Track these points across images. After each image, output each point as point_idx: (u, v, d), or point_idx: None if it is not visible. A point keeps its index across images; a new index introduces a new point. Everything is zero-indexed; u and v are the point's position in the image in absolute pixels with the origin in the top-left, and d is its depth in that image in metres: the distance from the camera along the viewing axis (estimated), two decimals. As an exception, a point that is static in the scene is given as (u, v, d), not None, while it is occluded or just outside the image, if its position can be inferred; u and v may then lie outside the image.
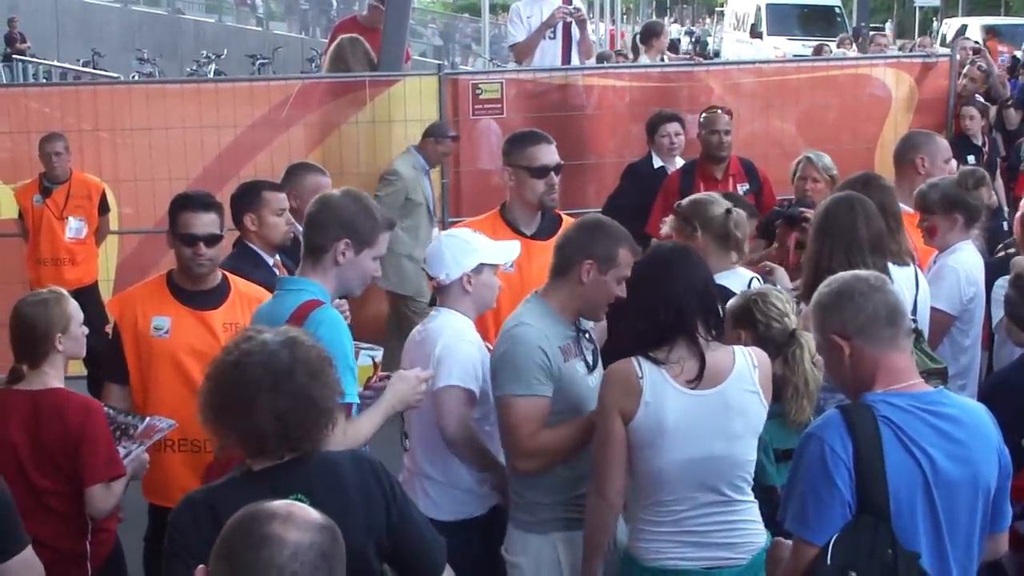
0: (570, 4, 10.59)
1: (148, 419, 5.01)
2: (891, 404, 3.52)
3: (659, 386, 4.14)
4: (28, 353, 4.81)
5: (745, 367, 4.22)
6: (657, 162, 8.51)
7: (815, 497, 3.46)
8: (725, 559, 4.25)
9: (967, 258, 5.92)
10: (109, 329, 5.56)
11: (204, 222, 5.24)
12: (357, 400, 4.29)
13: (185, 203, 5.33)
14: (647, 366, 4.16)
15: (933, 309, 5.71)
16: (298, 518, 2.59)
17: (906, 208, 6.55)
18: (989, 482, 3.58)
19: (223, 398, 3.32)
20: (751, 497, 4.30)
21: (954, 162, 7.33)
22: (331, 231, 4.36)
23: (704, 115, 8.22)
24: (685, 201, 5.70)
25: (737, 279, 5.31)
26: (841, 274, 3.72)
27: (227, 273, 5.48)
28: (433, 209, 9.10)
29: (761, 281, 5.25)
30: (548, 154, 5.80)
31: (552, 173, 5.78)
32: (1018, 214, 6.29)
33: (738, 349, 4.29)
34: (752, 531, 4.29)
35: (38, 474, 4.74)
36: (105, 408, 4.96)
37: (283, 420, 3.27)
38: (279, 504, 2.62)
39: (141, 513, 5.44)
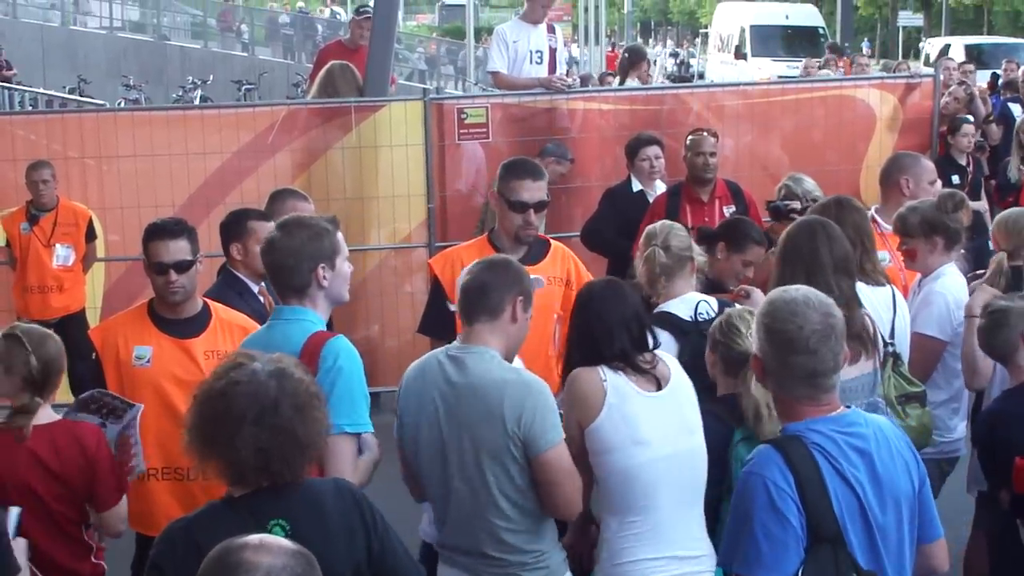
0: (552, 33, 10.63)
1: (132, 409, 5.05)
2: (817, 432, 3.53)
3: (622, 388, 4.37)
4: (42, 388, 4.83)
5: (675, 365, 4.53)
6: (636, 186, 8.51)
7: (767, 536, 3.43)
8: (700, 571, 4.38)
9: (952, 282, 5.91)
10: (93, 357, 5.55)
11: (173, 250, 5.22)
12: (371, 429, 4.30)
13: (154, 232, 5.31)
14: (609, 372, 4.39)
15: (924, 336, 5.72)
16: (270, 545, 2.66)
17: (890, 229, 6.59)
18: (909, 494, 3.61)
19: (207, 426, 3.33)
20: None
21: (939, 183, 7.35)
22: (302, 267, 4.39)
23: (690, 137, 8.23)
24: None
25: (684, 305, 5.31)
26: (798, 319, 3.55)
27: (208, 300, 5.48)
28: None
29: (710, 305, 5.26)
30: (530, 190, 5.76)
31: (531, 210, 5.76)
32: (992, 226, 6.32)
33: (666, 358, 4.55)
34: (711, 543, 4.42)
35: (57, 503, 4.79)
36: (94, 391, 5.04)
37: (265, 454, 3.27)
38: (252, 536, 2.69)
39: (127, 542, 5.42)
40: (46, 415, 4.84)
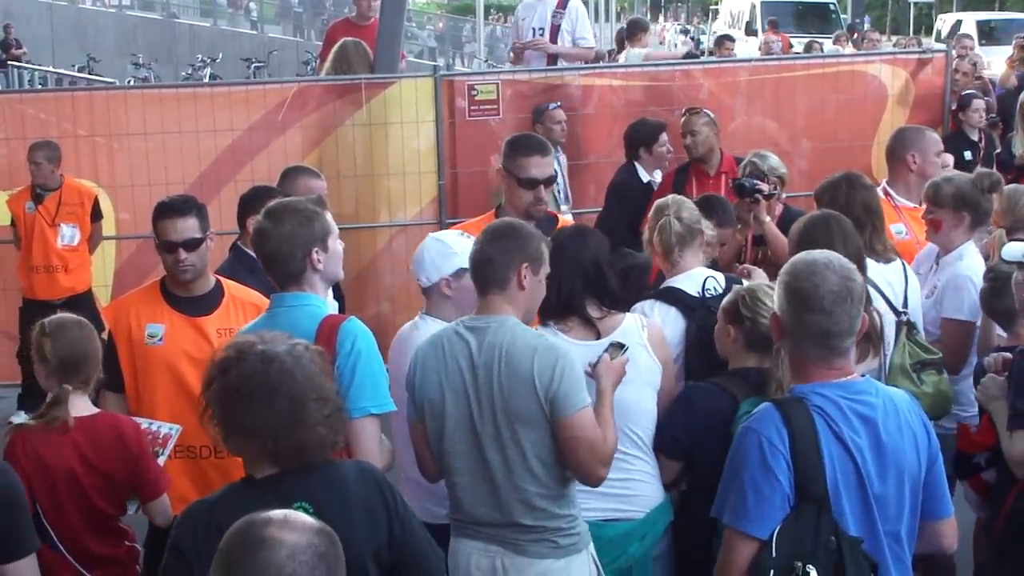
0: (564, 8, 10.60)
1: (154, 424, 5.07)
2: (822, 395, 3.56)
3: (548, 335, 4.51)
4: (65, 376, 4.81)
5: (633, 325, 4.71)
6: (644, 176, 8.39)
7: (755, 490, 3.49)
8: (621, 511, 4.56)
9: (974, 263, 5.86)
10: (105, 336, 5.54)
11: (181, 228, 5.21)
12: (394, 408, 4.29)
13: (162, 211, 5.30)
14: (540, 328, 4.63)
15: (958, 322, 5.72)
16: (294, 522, 2.64)
17: (904, 202, 6.59)
18: (914, 469, 3.62)
19: (284, 418, 3.29)
20: (648, 456, 4.67)
21: (948, 156, 7.32)
22: (296, 254, 4.34)
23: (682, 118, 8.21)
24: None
25: (691, 281, 5.26)
26: (816, 278, 3.59)
27: (221, 278, 5.47)
28: (566, 191, 9.08)
29: (717, 281, 5.23)
30: (538, 167, 5.76)
31: (541, 186, 5.76)
32: (995, 207, 6.29)
33: (630, 314, 4.76)
34: (647, 487, 4.66)
35: (98, 496, 4.81)
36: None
37: (330, 425, 3.34)
38: (275, 512, 2.66)
39: (140, 521, 5.42)
40: (85, 407, 4.83)
